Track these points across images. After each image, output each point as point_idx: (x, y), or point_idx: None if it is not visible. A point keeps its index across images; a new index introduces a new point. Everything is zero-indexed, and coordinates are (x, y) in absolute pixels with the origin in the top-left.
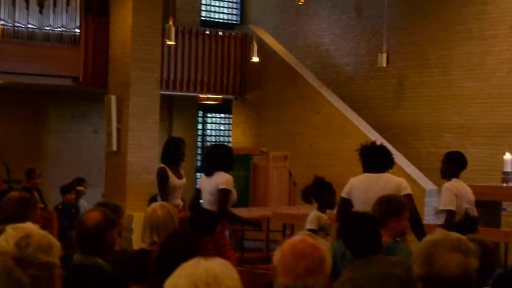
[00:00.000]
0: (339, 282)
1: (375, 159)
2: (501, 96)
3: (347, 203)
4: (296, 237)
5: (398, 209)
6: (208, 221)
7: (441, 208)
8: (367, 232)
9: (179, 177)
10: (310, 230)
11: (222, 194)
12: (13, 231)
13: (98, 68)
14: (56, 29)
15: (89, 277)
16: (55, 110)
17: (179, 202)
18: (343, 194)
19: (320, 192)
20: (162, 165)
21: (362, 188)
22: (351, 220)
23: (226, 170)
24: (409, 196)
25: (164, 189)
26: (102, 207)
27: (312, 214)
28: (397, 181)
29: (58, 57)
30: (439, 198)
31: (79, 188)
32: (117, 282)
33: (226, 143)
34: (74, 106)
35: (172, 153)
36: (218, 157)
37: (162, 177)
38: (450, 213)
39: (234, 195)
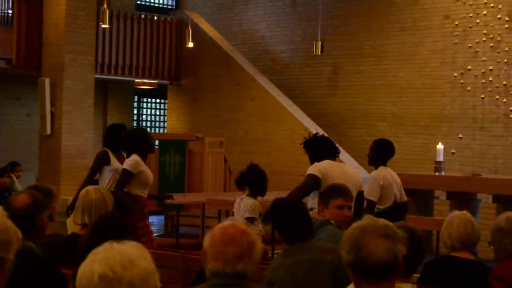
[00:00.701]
0: (270, 268)
1: (322, 150)
2: (434, 86)
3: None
4: (226, 222)
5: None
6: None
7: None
8: (298, 219)
9: (122, 162)
10: (250, 218)
11: (121, 174)
12: None
13: (31, 50)
14: None
15: (19, 260)
16: None
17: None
18: (317, 173)
19: (255, 179)
20: (105, 148)
21: (339, 171)
22: (282, 207)
23: (141, 153)
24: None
25: (95, 172)
26: (32, 190)
27: (250, 202)
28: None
29: None
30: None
31: (11, 174)
32: (47, 265)
33: (144, 127)
34: (7, 88)
35: (115, 138)
36: (132, 140)
37: (101, 160)
38: (370, 203)
39: (145, 177)
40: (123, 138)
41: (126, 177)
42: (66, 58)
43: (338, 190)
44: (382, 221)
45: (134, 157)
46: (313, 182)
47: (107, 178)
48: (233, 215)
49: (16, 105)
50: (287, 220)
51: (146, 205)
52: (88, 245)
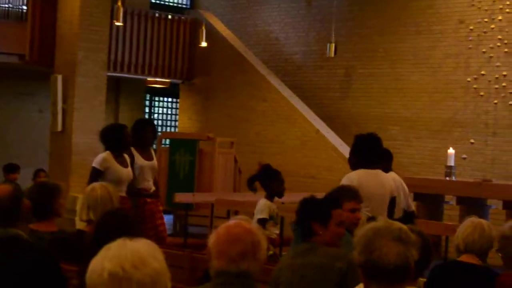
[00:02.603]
0: (277, 268)
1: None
2: (447, 91)
3: None
4: (231, 221)
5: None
6: None
7: None
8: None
9: (148, 158)
10: (261, 219)
11: (90, 172)
12: None
13: (45, 47)
14: (2, 5)
15: (9, 246)
16: (1, 87)
17: (148, 185)
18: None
19: (268, 179)
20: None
21: (372, 180)
22: (305, 202)
23: (113, 149)
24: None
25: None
26: (9, 183)
27: (262, 203)
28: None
29: (4, 33)
30: None
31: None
32: (38, 249)
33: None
34: (20, 84)
35: (140, 134)
36: (105, 136)
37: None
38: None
39: (113, 174)
40: (100, 133)
41: (94, 174)
42: (79, 55)
43: (350, 193)
44: (397, 224)
45: (103, 154)
46: None
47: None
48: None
49: (28, 101)
50: (305, 216)
51: (123, 204)
52: (94, 241)
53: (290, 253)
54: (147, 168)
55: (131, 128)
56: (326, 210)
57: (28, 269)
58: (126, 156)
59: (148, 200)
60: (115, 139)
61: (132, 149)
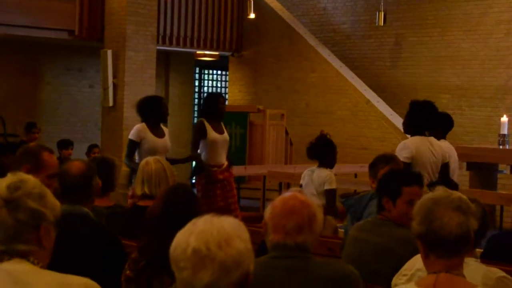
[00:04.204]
0: (347, 237)
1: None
2: (499, 58)
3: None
4: (287, 194)
5: None
6: None
7: None
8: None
9: (220, 132)
10: (331, 190)
11: (127, 144)
12: (11, 175)
13: (93, 22)
14: None
15: (75, 224)
16: (51, 63)
17: (221, 160)
18: (405, 160)
19: (327, 149)
20: (201, 118)
21: (426, 147)
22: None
23: (149, 121)
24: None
25: (196, 143)
26: (83, 160)
27: (328, 173)
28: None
29: (53, 9)
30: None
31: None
32: (103, 230)
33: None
34: (70, 59)
35: (211, 107)
36: (142, 108)
37: (197, 130)
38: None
39: (148, 144)
40: (137, 105)
41: (130, 146)
42: (128, 30)
43: (384, 159)
44: (456, 193)
45: (138, 126)
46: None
47: (206, 149)
48: (301, 187)
49: (78, 76)
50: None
51: None
52: (160, 217)
53: (357, 225)
54: (220, 141)
55: (203, 101)
56: (396, 187)
57: (93, 251)
58: (163, 127)
59: (220, 176)
60: (151, 111)
61: (205, 122)
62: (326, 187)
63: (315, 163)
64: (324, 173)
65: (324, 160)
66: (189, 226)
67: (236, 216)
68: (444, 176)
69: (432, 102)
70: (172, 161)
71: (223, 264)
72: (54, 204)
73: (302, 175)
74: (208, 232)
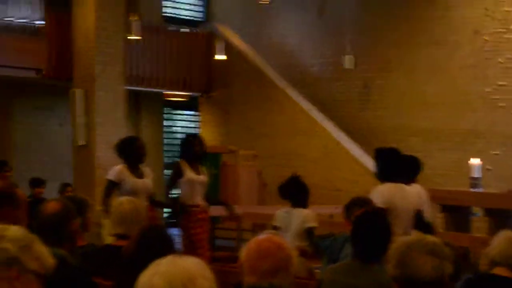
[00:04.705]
0: (318, 281)
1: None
2: (466, 102)
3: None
4: (262, 236)
5: None
6: None
7: None
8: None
9: (197, 173)
10: (313, 227)
11: (106, 184)
12: None
13: (62, 61)
14: (18, 20)
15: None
16: (21, 102)
17: (197, 200)
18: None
19: (298, 189)
20: (179, 160)
21: (399, 195)
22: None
23: (129, 162)
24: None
25: (172, 183)
26: (61, 199)
27: (307, 212)
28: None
29: (21, 48)
30: None
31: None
32: (81, 273)
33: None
34: (38, 99)
35: (188, 149)
36: (120, 149)
37: (174, 171)
38: None
39: (128, 185)
40: (115, 146)
41: (108, 186)
42: (96, 69)
43: (359, 202)
44: (430, 237)
45: (119, 167)
46: None
47: (183, 189)
48: (275, 229)
49: (47, 115)
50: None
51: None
52: (134, 257)
53: (333, 267)
54: (196, 182)
55: (180, 143)
56: None
57: None
58: (143, 168)
59: (199, 216)
60: (128, 151)
61: (181, 163)
62: (308, 224)
63: (288, 204)
64: (304, 212)
65: (297, 200)
66: (152, 267)
67: (201, 255)
68: (419, 222)
69: (395, 148)
70: (157, 204)
71: None
72: (39, 256)
73: (275, 216)
74: (171, 272)
